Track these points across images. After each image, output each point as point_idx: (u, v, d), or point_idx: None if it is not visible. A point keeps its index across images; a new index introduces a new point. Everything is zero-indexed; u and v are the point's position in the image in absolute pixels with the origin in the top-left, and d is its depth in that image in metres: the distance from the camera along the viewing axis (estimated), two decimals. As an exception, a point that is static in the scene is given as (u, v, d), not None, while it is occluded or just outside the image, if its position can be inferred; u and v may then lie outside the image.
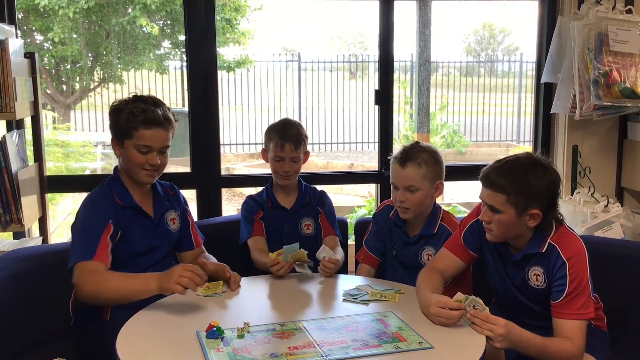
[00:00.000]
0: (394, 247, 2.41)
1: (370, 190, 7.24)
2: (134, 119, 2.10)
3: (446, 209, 2.45)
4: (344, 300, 2.02)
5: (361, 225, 2.68)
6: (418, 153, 2.26)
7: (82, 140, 8.21)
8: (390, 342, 1.68)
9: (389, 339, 1.70)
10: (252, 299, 2.05)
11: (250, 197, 2.60)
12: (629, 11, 2.83)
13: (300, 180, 2.60)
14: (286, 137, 2.44)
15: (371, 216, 2.58)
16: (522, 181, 1.87)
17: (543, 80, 3.01)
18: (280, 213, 2.55)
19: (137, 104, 2.12)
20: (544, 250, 1.93)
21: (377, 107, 3.11)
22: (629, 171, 3.01)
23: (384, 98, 3.08)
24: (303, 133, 2.49)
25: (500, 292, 2.13)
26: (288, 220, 2.55)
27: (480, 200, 2.00)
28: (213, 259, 2.33)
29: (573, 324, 1.87)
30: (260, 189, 2.69)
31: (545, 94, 3.11)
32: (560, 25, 2.91)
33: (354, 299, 2.02)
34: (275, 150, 2.45)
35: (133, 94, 2.22)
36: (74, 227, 2.13)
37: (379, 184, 3.14)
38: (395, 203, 2.33)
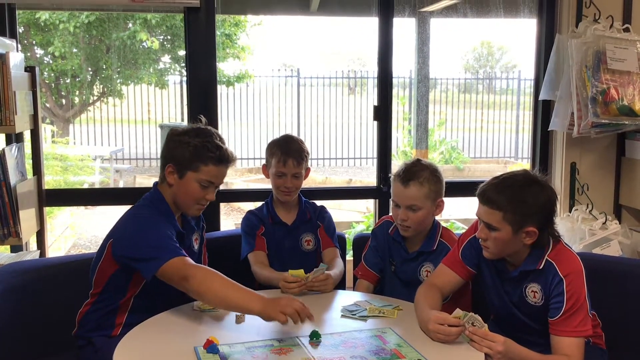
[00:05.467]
0: (393, 263, 2.41)
1: (368, 206, 7.23)
2: (207, 154, 2.08)
3: (444, 225, 2.45)
4: (342, 316, 2.01)
5: (359, 240, 2.68)
6: (420, 172, 2.27)
7: (80, 154, 8.21)
8: (389, 359, 1.67)
9: (388, 355, 1.70)
10: (250, 315, 2.03)
11: (251, 213, 2.60)
12: (627, 30, 2.85)
13: (300, 196, 2.60)
14: (289, 152, 2.45)
15: (369, 232, 2.58)
16: (519, 199, 1.87)
17: (541, 97, 3.02)
18: (281, 229, 2.55)
19: (210, 139, 2.10)
20: (541, 267, 1.93)
21: (375, 123, 3.12)
22: (627, 188, 3.01)
23: (382, 114, 3.09)
24: (305, 149, 2.51)
25: (498, 308, 2.12)
26: (289, 236, 2.55)
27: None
28: None
29: (571, 342, 1.87)
30: (259, 203, 2.69)
31: (543, 111, 3.12)
32: (558, 43, 2.92)
33: (352, 314, 2.01)
34: (277, 165, 2.46)
35: (197, 125, 2.18)
36: (135, 235, 2.02)
37: (377, 200, 3.14)
38: (396, 220, 2.33)
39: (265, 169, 2.56)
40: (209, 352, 1.67)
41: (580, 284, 1.90)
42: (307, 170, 2.55)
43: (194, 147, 2.07)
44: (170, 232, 2.04)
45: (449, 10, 4.52)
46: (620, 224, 2.92)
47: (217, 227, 3.02)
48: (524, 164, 10.15)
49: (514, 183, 1.91)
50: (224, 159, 2.11)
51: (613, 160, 3.08)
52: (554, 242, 1.96)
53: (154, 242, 1.99)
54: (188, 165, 2.09)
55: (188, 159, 2.08)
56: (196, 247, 2.29)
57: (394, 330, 1.87)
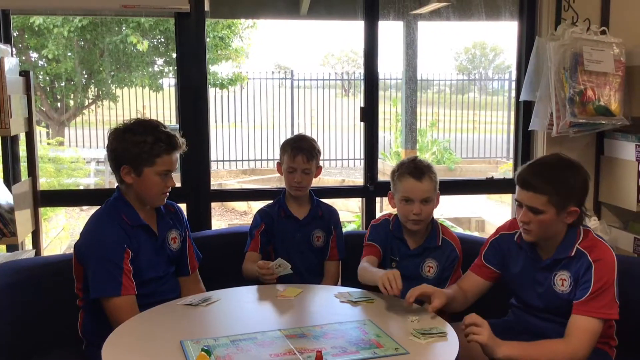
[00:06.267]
0: (394, 259, 2.47)
1: (360, 205, 7.31)
2: (160, 147, 2.15)
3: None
4: (341, 302, 2.13)
5: (351, 237, 2.77)
6: (428, 166, 2.39)
7: (74, 156, 8.26)
8: (368, 349, 1.75)
9: (367, 345, 1.77)
10: (235, 309, 2.12)
11: (258, 211, 2.71)
12: (603, 32, 2.93)
13: (311, 194, 2.71)
14: (299, 149, 2.57)
15: (360, 230, 2.67)
16: (563, 182, 1.97)
17: (522, 98, 3.09)
18: (292, 223, 2.66)
19: (158, 132, 2.17)
20: (572, 254, 2.01)
21: (362, 124, 3.21)
22: (606, 186, 3.09)
23: (369, 115, 3.18)
24: (316, 147, 2.62)
25: (523, 300, 2.19)
26: (300, 230, 2.66)
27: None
28: (202, 288, 2.42)
29: (585, 322, 1.92)
30: (252, 203, 2.79)
31: (524, 111, 3.21)
32: (537, 46, 3.00)
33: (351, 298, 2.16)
34: (288, 161, 2.58)
35: (136, 120, 2.23)
36: (89, 254, 2.12)
37: (364, 199, 3.22)
38: (407, 216, 2.38)
39: (279, 166, 2.67)
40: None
41: (610, 270, 1.96)
42: (319, 168, 2.66)
43: (149, 144, 2.14)
44: (118, 251, 2.11)
45: (433, 14, 4.61)
46: (599, 220, 3.00)
47: (209, 226, 3.09)
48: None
49: (554, 167, 2.01)
50: (176, 146, 2.20)
51: (592, 158, 3.15)
52: (585, 231, 2.04)
53: (96, 263, 2.10)
54: (144, 162, 2.15)
55: (143, 156, 2.14)
56: (174, 246, 2.35)
57: (374, 322, 1.95)
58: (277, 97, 11.41)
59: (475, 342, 1.85)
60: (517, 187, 2.05)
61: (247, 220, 6.89)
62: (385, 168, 7.73)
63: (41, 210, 2.89)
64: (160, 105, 10.51)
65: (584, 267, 1.97)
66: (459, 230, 6.01)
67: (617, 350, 2.14)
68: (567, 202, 1.97)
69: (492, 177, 3.36)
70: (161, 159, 2.16)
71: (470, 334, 1.85)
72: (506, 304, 2.31)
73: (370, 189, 3.15)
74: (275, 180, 9.41)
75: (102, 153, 9.61)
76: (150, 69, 10.20)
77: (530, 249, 2.13)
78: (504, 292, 2.30)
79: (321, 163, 2.68)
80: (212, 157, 5.10)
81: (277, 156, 2.71)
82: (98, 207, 2.27)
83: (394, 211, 2.50)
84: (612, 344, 2.13)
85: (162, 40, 9.92)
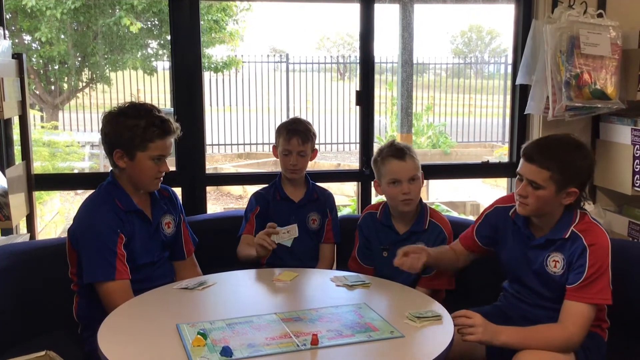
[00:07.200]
0: (385, 248, 2.48)
1: (356, 189, 7.31)
2: (153, 131, 2.13)
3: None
4: (337, 285, 2.14)
5: (346, 221, 2.78)
6: (408, 147, 2.43)
7: (68, 140, 8.23)
8: (364, 332, 1.75)
9: (362, 329, 1.78)
10: (230, 292, 2.12)
11: (253, 194, 2.72)
12: (600, 15, 2.91)
13: (307, 177, 2.71)
14: (294, 132, 2.57)
15: (355, 213, 2.68)
16: (569, 161, 1.96)
17: (518, 82, 3.08)
18: (287, 205, 2.66)
19: (152, 115, 2.14)
20: (566, 237, 2.00)
21: (358, 107, 3.20)
22: (601, 170, 3.08)
23: (364, 99, 3.17)
24: (311, 130, 2.63)
25: (516, 275, 2.18)
26: (295, 213, 2.65)
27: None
28: (199, 272, 2.42)
29: (581, 308, 1.92)
30: (247, 187, 2.80)
31: (520, 95, 3.20)
32: (534, 29, 2.98)
33: (347, 281, 2.16)
34: (283, 144, 2.58)
35: (131, 103, 2.21)
36: (83, 238, 2.11)
37: (359, 182, 3.22)
38: (397, 198, 2.40)
39: (275, 149, 2.67)
40: (224, 354, 1.62)
41: (604, 255, 1.95)
42: (315, 151, 2.67)
43: (142, 128, 2.11)
44: (112, 235, 2.09)
45: (428, -3, 4.58)
46: (594, 204, 3.01)
47: (204, 210, 3.08)
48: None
49: (562, 145, 2.00)
50: (169, 131, 2.17)
51: (588, 142, 3.13)
52: (582, 214, 2.03)
53: (91, 248, 2.09)
54: (137, 147, 2.13)
55: (136, 140, 2.12)
56: (167, 231, 2.34)
57: (370, 306, 1.95)
58: (272, 80, 11.36)
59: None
60: (521, 160, 2.03)
61: (243, 205, 6.90)
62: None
63: (35, 194, 2.88)
64: (155, 88, 10.45)
65: (578, 250, 1.97)
66: (454, 214, 6.02)
67: (610, 332, 2.15)
68: (568, 182, 1.96)
69: (488, 161, 3.35)
70: (154, 144, 2.14)
71: (465, 334, 1.85)
72: (497, 288, 2.32)
73: (366, 173, 3.14)
74: (270, 164, 9.41)
75: (97, 137, 9.56)
76: (144, 51, 10.13)
77: (524, 226, 2.12)
78: (495, 277, 2.31)
79: (317, 147, 2.68)
80: (207, 141, 5.09)
81: (273, 140, 2.70)
82: (93, 191, 2.26)
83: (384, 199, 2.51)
84: (604, 326, 2.14)
85: (156, 22, 9.84)
